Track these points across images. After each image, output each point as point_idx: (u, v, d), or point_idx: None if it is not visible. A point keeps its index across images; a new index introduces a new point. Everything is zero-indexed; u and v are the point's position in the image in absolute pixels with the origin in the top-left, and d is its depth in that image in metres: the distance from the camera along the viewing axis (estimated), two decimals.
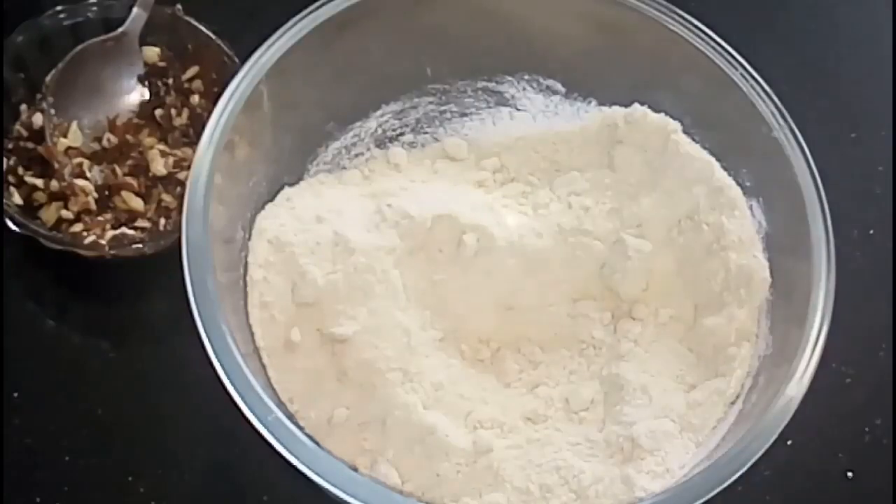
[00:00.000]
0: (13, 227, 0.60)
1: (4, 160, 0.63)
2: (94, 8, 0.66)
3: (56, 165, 0.63)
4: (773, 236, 0.58)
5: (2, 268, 0.63)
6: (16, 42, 0.64)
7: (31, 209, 0.62)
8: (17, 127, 0.65)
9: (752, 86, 0.59)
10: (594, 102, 0.64)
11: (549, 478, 0.52)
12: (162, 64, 0.67)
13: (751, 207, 0.59)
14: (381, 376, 0.54)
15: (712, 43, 0.59)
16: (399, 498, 0.50)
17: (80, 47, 0.65)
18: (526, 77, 0.65)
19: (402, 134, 0.65)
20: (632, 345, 0.58)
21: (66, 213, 0.62)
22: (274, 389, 0.54)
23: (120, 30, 0.66)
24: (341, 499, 0.47)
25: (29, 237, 0.60)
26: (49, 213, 0.62)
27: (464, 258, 0.58)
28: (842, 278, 0.53)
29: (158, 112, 0.66)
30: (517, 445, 0.54)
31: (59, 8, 0.66)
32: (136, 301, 0.64)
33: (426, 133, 0.65)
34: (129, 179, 0.63)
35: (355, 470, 0.52)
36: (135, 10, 0.65)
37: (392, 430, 0.53)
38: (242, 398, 0.48)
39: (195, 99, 0.67)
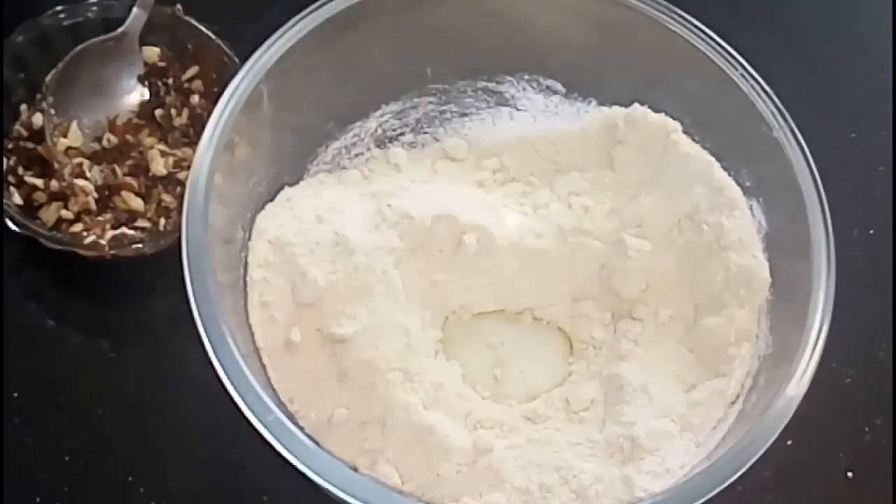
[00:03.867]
0: (13, 227, 0.60)
1: (4, 160, 0.63)
2: (94, 8, 0.66)
3: (56, 165, 0.63)
4: (773, 236, 0.58)
5: (2, 268, 0.63)
6: (16, 42, 0.64)
7: (31, 209, 0.62)
8: (17, 127, 0.65)
9: (752, 86, 0.59)
10: (594, 102, 0.64)
11: (549, 478, 0.52)
12: (162, 64, 0.67)
13: (751, 207, 0.59)
14: (381, 376, 0.54)
15: (712, 43, 0.59)
16: (399, 498, 0.50)
17: (80, 47, 0.65)
18: (526, 77, 0.65)
19: (402, 134, 0.65)
20: (632, 345, 0.58)
21: (66, 213, 0.62)
22: (274, 389, 0.54)
23: (120, 30, 0.66)
24: (341, 499, 0.47)
25: (29, 237, 0.60)
26: (49, 213, 0.62)
27: (464, 258, 0.58)
28: (842, 278, 0.53)
29: (158, 112, 0.66)
30: (517, 445, 0.54)
31: (59, 8, 0.66)
32: (136, 301, 0.64)
33: (426, 133, 0.65)
34: (129, 179, 0.63)
35: (355, 470, 0.52)
36: (135, 10, 0.65)
37: (392, 430, 0.53)
38: (242, 398, 0.48)
39: (195, 99, 0.67)
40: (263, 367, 0.54)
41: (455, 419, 0.54)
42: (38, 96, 0.65)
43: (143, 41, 0.66)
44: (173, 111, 0.66)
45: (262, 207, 0.59)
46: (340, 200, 0.60)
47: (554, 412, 0.57)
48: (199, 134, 0.54)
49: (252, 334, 0.55)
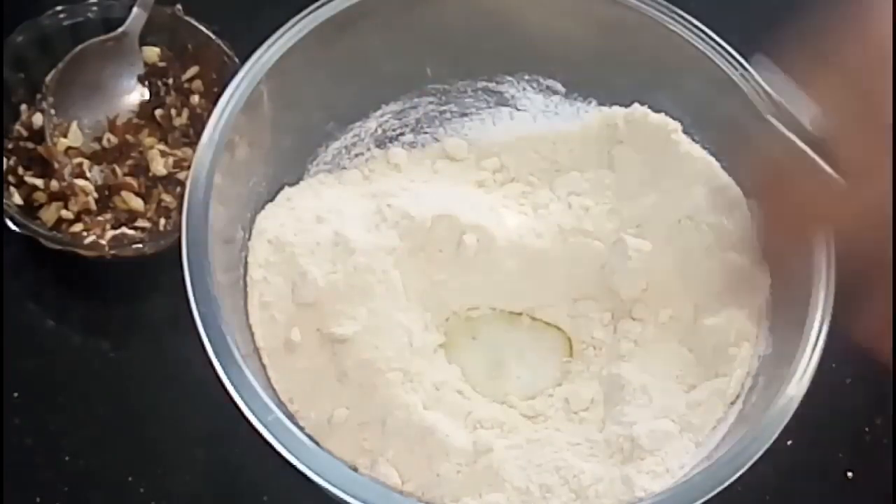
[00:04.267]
0: (13, 227, 0.60)
1: (4, 160, 0.63)
2: (94, 8, 0.66)
3: (56, 165, 0.63)
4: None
5: (2, 268, 0.63)
6: (16, 42, 0.64)
7: (31, 209, 0.62)
8: (17, 127, 0.65)
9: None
10: (594, 102, 0.64)
11: (549, 478, 0.52)
12: (162, 64, 0.67)
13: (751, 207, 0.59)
14: (382, 376, 0.54)
15: (712, 43, 0.59)
16: (399, 498, 0.50)
17: (80, 47, 0.65)
18: (526, 77, 0.65)
19: (402, 134, 0.65)
20: (632, 345, 0.58)
21: (66, 213, 0.62)
22: (274, 389, 0.54)
23: (120, 30, 0.66)
24: (341, 499, 0.47)
25: (29, 237, 0.60)
26: (49, 213, 0.62)
27: (464, 258, 0.58)
28: (842, 278, 0.53)
29: (158, 112, 0.66)
30: (517, 445, 0.54)
31: (59, 8, 0.66)
32: (136, 301, 0.64)
33: (426, 133, 0.65)
34: (129, 179, 0.63)
35: (355, 470, 0.52)
36: (135, 10, 0.65)
37: (392, 430, 0.53)
38: (242, 398, 0.48)
39: (195, 99, 0.67)
40: (263, 367, 0.54)
41: (455, 419, 0.54)
42: (38, 96, 0.65)
43: (143, 41, 0.66)
44: (173, 111, 0.66)
45: (262, 207, 0.59)
46: (340, 200, 0.60)
47: (554, 412, 0.57)
48: (199, 134, 0.54)
49: (252, 334, 0.55)
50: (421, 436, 0.52)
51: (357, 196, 0.60)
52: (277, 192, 0.60)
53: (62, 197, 0.62)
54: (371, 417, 0.53)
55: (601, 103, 0.64)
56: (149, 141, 0.65)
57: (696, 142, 0.61)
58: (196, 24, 0.67)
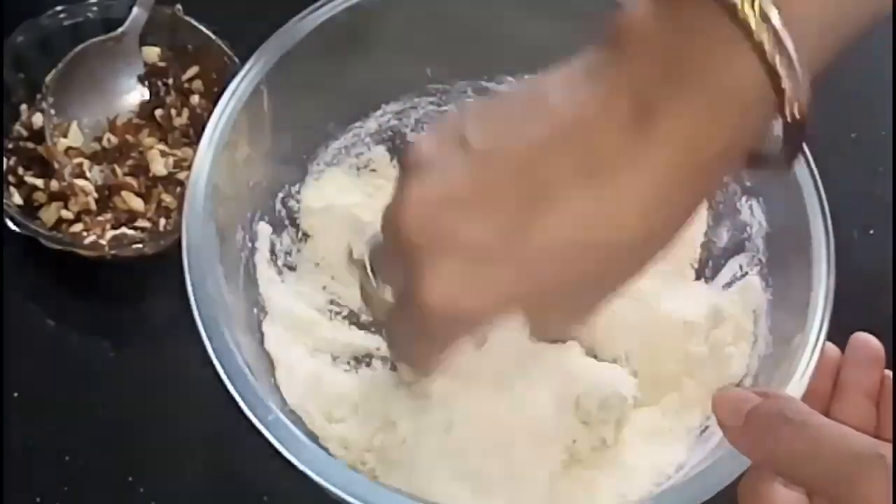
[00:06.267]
0: (13, 227, 0.60)
1: (4, 160, 0.63)
2: (94, 8, 0.66)
3: (56, 165, 0.63)
4: (773, 236, 0.58)
5: (2, 268, 0.63)
6: (16, 42, 0.64)
7: (31, 209, 0.62)
8: (17, 127, 0.65)
9: None
10: None
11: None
12: (162, 64, 0.67)
13: (751, 207, 0.59)
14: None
15: None
16: (399, 497, 0.50)
17: (80, 47, 0.65)
18: (526, 77, 0.64)
19: (402, 134, 0.65)
20: None
21: (66, 213, 0.62)
22: (275, 388, 0.54)
23: (120, 30, 0.66)
24: (341, 498, 0.47)
25: (29, 237, 0.60)
26: (49, 213, 0.62)
27: None
28: (842, 278, 0.53)
29: (158, 112, 0.66)
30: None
31: (59, 8, 0.66)
32: (136, 301, 0.64)
33: None
34: (129, 179, 0.63)
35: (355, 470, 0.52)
36: (135, 10, 0.65)
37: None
38: (242, 398, 0.48)
39: (195, 99, 0.67)
40: (266, 366, 0.54)
41: None
42: (38, 96, 0.65)
43: (143, 41, 0.66)
44: (173, 111, 0.66)
45: (263, 207, 0.59)
46: (344, 193, 0.60)
47: None
48: (199, 134, 0.54)
49: (253, 333, 0.55)
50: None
51: (361, 192, 0.61)
52: (278, 192, 0.60)
53: (62, 197, 0.62)
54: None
55: None
56: (149, 141, 0.65)
57: None
58: (196, 24, 0.67)
